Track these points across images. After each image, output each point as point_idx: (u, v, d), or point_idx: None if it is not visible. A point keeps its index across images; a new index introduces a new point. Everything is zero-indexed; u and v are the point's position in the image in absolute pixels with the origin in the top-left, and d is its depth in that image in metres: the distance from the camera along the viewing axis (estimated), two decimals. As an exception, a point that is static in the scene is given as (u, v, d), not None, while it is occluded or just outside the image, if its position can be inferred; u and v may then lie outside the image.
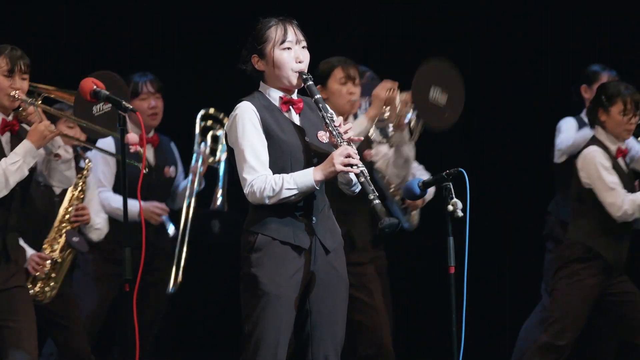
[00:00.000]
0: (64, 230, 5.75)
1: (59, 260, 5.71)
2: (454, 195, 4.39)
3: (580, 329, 5.94)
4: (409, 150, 5.67)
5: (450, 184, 4.42)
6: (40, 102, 5.08)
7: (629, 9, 7.53)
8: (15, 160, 4.91)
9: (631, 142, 6.16)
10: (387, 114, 5.59)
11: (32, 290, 5.55)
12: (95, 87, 4.99)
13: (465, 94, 5.40)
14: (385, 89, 5.58)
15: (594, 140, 6.00)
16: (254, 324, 4.22)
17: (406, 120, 5.58)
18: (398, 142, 5.68)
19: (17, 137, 5.07)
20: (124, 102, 5.03)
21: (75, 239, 5.73)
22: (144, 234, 4.74)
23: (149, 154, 6.59)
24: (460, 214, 4.36)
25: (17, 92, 4.98)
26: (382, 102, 5.60)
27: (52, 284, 5.68)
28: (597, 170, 5.88)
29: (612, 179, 5.87)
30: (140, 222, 4.78)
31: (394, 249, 7.93)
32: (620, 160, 6.02)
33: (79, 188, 5.85)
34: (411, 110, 5.56)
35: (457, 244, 4.43)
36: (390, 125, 5.59)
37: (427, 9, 7.46)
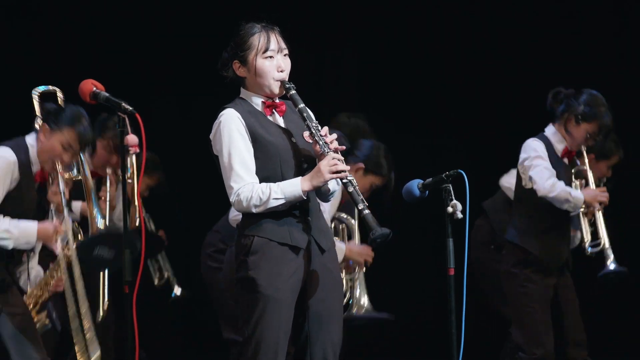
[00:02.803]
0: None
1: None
2: (453, 197, 4.39)
3: (549, 331, 5.93)
4: None
5: (450, 185, 4.42)
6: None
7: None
8: (6, 229, 4.89)
9: None
10: None
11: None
12: (94, 88, 5.00)
13: None
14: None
15: (540, 137, 6.03)
16: (253, 327, 4.21)
17: None
18: None
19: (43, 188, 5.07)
20: (123, 104, 5.03)
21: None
22: (143, 236, 4.75)
23: None
24: (459, 215, 4.36)
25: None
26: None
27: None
28: (531, 155, 5.93)
29: (543, 163, 5.91)
30: None
31: (393, 251, 7.95)
32: (565, 160, 6.06)
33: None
34: None
35: (457, 245, 4.43)
36: None
37: (422, 31, 7.49)
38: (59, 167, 4.95)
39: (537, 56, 7.08)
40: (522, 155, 6.00)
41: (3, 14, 7.28)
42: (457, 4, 7.77)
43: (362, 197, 4.19)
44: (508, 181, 6.59)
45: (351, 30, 7.73)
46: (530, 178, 5.90)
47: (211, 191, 7.89)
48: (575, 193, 5.93)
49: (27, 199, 4.97)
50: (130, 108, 4.87)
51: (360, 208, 4.17)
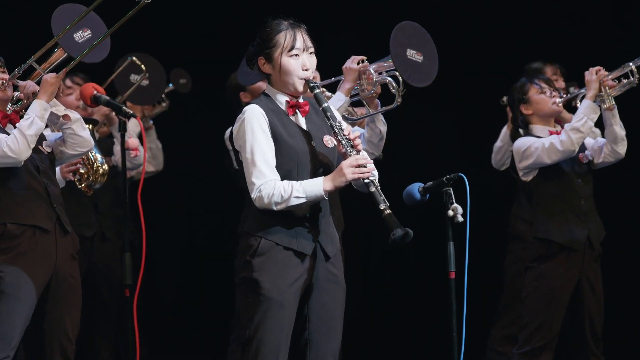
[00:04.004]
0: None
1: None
2: (454, 200, 4.39)
3: (553, 332, 5.85)
4: (382, 125, 5.53)
5: (451, 189, 4.41)
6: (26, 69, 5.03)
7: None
8: (27, 117, 4.82)
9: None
10: (363, 86, 5.38)
11: (84, 182, 5.61)
12: (95, 92, 5.00)
13: (437, 53, 5.18)
14: (356, 61, 5.36)
15: (525, 135, 6.06)
16: (255, 329, 4.19)
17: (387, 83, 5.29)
18: (371, 118, 5.49)
19: None
20: (124, 108, 5.03)
21: None
22: (144, 238, 4.74)
23: None
24: (460, 219, 4.35)
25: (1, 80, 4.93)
26: (356, 74, 5.29)
27: (98, 164, 5.68)
28: (527, 142, 5.92)
29: (533, 140, 5.92)
30: None
31: (394, 254, 7.95)
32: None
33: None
34: (387, 75, 5.30)
35: (458, 249, 4.42)
36: (364, 101, 5.40)
37: (423, 19, 7.46)
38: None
39: (538, 58, 7.07)
40: (517, 157, 6.00)
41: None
42: (460, 4, 7.77)
43: (383, 197, 4.16)
44: None
45: (352, 29, 7.72)
46: (535, 160, 5.89)
47: (210, 192, 7.94)
48: (579, 115, 5.85)
49: None
50: (131, 111, 4.87)
51: (381, 208, 4.14)
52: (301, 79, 4.28)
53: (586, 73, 5.92)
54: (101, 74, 6.23)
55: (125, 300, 5.32)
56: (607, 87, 5.87)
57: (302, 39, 4.29)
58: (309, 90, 4.30)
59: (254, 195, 4.19)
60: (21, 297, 4.75)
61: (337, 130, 4.22)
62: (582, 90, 6.05)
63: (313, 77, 4.39)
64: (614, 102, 5.87)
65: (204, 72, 7.49)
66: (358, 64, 5.26)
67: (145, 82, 6.71)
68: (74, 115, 4.95)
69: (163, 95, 7.24)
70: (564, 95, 6.20)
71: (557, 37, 7.57)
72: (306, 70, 4.29)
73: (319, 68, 5.29)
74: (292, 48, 4.27)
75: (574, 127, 5.82)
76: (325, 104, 4.28)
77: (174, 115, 7.50)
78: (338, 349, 4.31)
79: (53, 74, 4.85)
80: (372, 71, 5.20)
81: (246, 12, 7.28)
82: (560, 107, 6.08)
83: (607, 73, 5.89)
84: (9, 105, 4.95)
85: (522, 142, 5.97)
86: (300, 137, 4.28)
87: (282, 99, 4.32)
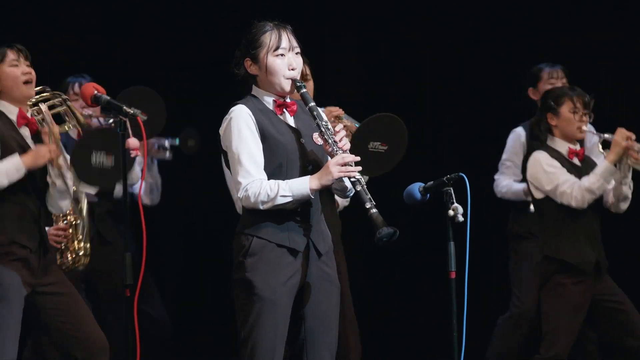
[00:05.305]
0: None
1: (76, 222, 5.68)
2: (454, 200, 4.39)
3: (572, 338, 5.94)
4: None
5: (451, 188, 4.42)
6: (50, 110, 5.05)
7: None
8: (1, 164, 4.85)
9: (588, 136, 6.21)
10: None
11: (65, 261, 5.57)
12: (96, 92, 4.99)
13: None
14: (332, 114, 5.43)
15: (541, 146, 6.05)
16: (249, 330, 4.21)
17: None
18: None
19: (37, 136, 5.02)
20: (125, 107, 5.03)
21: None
22: (144, 237, 4.74)
23: None
24: (460, 218, 4.36)
25: (29, 75, 4.93)
26: (622, 149, 5.75)
27: (81, 245, 5.67)
28: (542, 168, 5.95)
29: (556, 171, 5.92)
30: None
31: (394, 254, 7.96)
32: (575, 161, 6.04)
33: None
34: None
35: (458, 248, 4.42)
36: None
37: (424, 21, 7.48)
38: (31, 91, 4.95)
39: (539, 58, 7.08)
40: (531, 170, 6.02)
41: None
42: (460, 7, 7.77)
43: (369, 196, 4.18)
44: None
45: (352, 28, 7.73)
46: (546, 193, 5.95)
47: (210, 192, 7.94)
48: (596, 176, 5.86)
49: (7, 143, 4.95)
50: (132, 111, 4.87)
51: (367, 207, 4.16)
52: (287, 78, 4.29)
53: (618, 131, 5.89)
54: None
55: (126, 300, 5.31)
56: (630, 157, 5.87)
57: (287, 39, 4.31)
58: (295, 90, 4.31)
59: (240, 194, 4.20)
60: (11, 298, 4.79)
61: (323, 129, 4.24)
62: (606, 135, 5.99)
63: (302, 79, 4.42)
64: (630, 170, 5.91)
65: (207, 75, 7.49)
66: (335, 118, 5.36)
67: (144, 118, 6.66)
68: (61, 186, 4.98)
69: (167, 146, 7.21)
70: (592, 128, 6.14)
71: (558, 40, 7.57)
72: (292, 69, 4.30)
73: (316, 73, 5.30)
74: (277, 48, 4.29)
75: (589, 189, 5.86)
76: (312, 103, 4.29)
77: (174, 115, 7.49)
78: (335, 348, 4.32)
79: (54, 147, 4.89)
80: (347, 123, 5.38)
81: (249, 18, 7.29)
82: (583, 135, 6.05)
83: (637, 145, 5.87)
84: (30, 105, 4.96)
85: (539, 161, 5.95)
86: (290, 134, 4.29)
87: (269, 99, 4.34)
